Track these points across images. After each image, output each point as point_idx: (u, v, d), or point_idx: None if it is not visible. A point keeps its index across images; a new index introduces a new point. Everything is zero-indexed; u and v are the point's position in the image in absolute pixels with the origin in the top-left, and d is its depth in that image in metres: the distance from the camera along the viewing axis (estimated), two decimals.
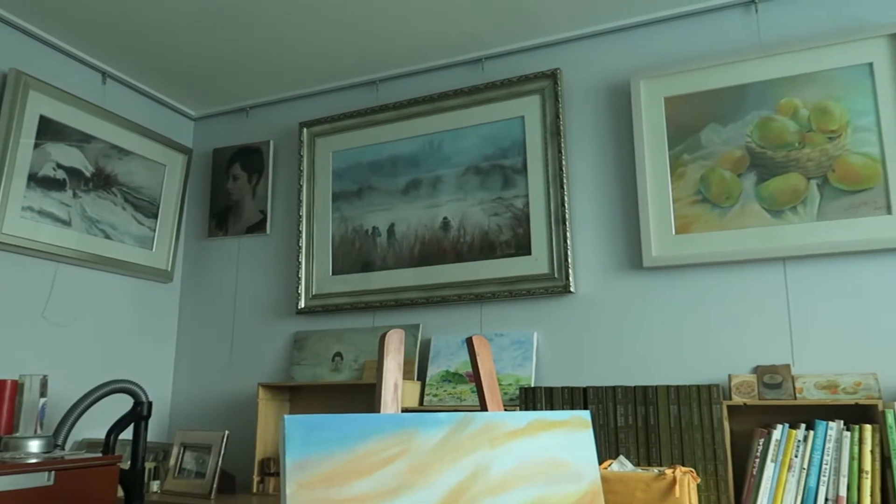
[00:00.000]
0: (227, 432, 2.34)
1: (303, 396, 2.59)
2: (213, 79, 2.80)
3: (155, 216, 2.83)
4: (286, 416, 1.04)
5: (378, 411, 1.32)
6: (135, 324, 2.76)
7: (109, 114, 2.63)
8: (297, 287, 2.69)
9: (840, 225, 1.98)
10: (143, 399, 1.98)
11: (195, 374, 2.87)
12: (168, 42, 2.52)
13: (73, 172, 2.51)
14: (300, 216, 2.74)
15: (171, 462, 2.38)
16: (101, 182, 2.61)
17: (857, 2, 2.11)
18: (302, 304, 2.68)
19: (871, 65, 2.02)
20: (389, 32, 2.45)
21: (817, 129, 2.05)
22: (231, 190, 2.95)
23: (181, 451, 2.39)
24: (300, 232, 2.73)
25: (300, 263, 2.70)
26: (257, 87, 2.87)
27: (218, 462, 2.30)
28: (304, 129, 2.82)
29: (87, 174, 2.56)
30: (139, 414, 1.96)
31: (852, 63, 2.04)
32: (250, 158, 2.94)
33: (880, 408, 1.72)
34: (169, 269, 2.89)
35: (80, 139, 2.53)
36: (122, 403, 2.61)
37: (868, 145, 1.99)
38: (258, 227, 2.87)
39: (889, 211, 1.94)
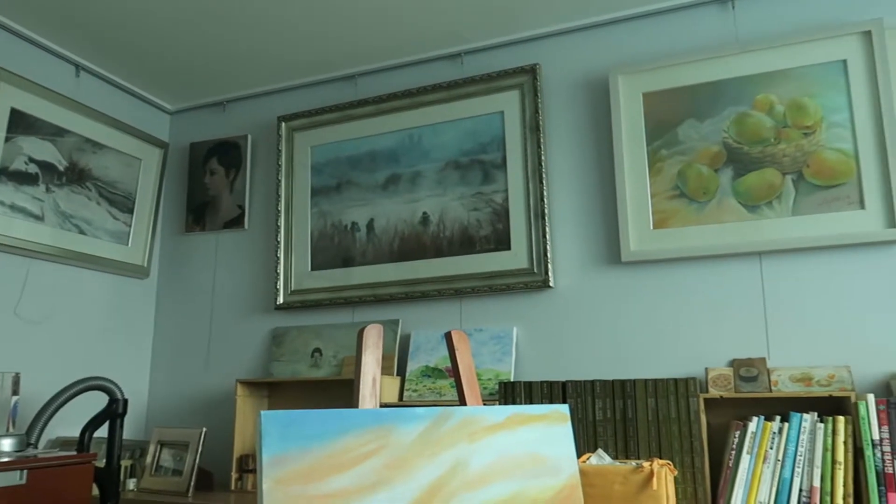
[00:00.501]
0: (204, 429, 2.32)
1: (281, 393, 2.58)
2: (190, 72, 2.76)
3: (130, 211, 2.79)
4: (263, 412, 1.03)
5: (356, 407, 1.31)
6: (110, 320, 2.72)
7: (83, 107, 2.59)
8: (276, 282, 2.67)
9: (814, 220, 2.01)
10: (119, 396, 1.95)
11: (172, 371, 2.84)
12: (144, 34, 2.48)
13: (46, 166, 2.46)
14: (279, 211, 2.72)
15: (148, 460, 2.36)
16: (75, 176, 2.57)
17: (831, 1, 2.13)
18: (280, 300, 2.66)
19: (844, 62, 2.04)
20: (369, 26, 2.44)
21: (792, 125, 2.08)
22: (208, 185, 2.92)
23: (158, 449, 2.37)
24: (279, 227, 2.71)
25: (279, 259, 2.68)
26: (235, 80, 2.84)
27: (195, 459, 2.28)
28: (283, 124, 2.79)
29: (61, 168, 2.51)
30: (114, 411, 1.94)
31: (827, 60, 2.06)
32: (228, 153, 2.91)
33: (853, 399, 1.75)
34: (145, 264, 2.86)
35: (53, 133, 2.49)
36: (97, 401, 2.58)
37: (842, 141, 2.02)
38: (236, 222, 2.84)
39: (862, 206, 1.97)
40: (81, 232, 2.58)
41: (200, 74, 2.78)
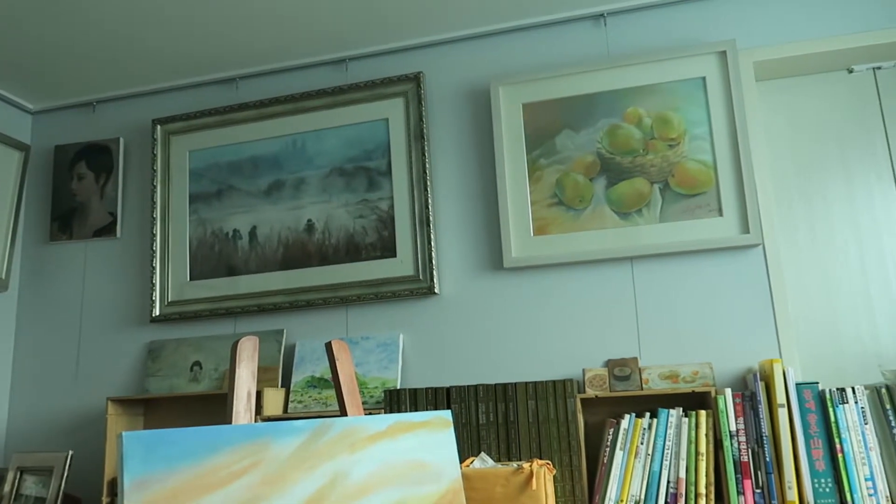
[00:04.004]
0: (70, 452, 2.17)
1: (158, 409, 2.45)
2: (55, 69, 2.58)
3: None
4: (124, 434, 0.97)
5: (230, 423, 1.27)
6: None
7: None
8: (152, 294, 2.54)
9: (679, 227, 2.14)
10: None
11: (36, 392, 2.64)
12: None
13: None
14: (154, 218, 2.59)
15: (7, 488, 2.18)
16: None
17: (692, 22, 2.29)
18: (157, 312, 2.53)
19: (704, 79, 2.20)
20: (250, 28, 2.37)
21: (659, 137, 2.21)
22: (76, 190, 2.74)
23: (18, 476, 2.19)
24: (154, 235, 2.58)
25: (154, 268, 2.55)
26: (105, 80, 2.68)
27: (61, 485, 2.13)
28: (158, 127, 2.67)
29: None
30: None
31: (688, 77, 2.21)
32: (97, 156, 2.74)
33: (713, 394, 1.87)
34: (3, 276, 2.64)
35: None
36: None
37: (702, 153, 2.16)
38: (107, 230, 2.68)
39: (721, 213, 2.12)
40: None
41: (66, 72, 2.61)
